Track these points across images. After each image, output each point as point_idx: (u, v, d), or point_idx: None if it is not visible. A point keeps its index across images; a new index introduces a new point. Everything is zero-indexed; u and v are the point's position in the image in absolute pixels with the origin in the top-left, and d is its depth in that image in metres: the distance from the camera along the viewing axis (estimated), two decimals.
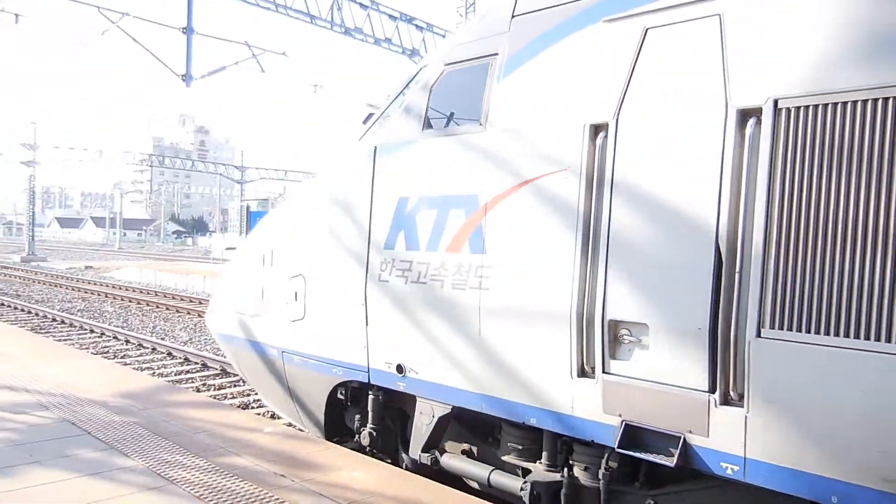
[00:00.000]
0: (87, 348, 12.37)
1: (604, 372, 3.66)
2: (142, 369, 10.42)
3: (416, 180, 4.74)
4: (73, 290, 22.45)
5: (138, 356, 11.78)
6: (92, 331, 14.31)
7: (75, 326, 15.00)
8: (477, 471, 4.55)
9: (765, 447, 3.15)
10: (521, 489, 4.15)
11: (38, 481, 4.09)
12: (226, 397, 8.37)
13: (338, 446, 5.01)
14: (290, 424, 6.41)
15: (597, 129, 3.81)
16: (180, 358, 11.24)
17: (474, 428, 4.73)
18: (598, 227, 3.73)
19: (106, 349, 12.38)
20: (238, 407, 6.67)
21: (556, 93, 4.04)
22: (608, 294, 3.64)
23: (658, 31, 3.61)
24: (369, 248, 4.94)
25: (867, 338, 2.81)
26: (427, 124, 4.79)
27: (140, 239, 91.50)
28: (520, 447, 4.38)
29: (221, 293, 6.65)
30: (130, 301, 19.08)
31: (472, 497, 4.14)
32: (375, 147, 5.05)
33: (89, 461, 4.46)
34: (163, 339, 13.08)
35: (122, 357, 11.67)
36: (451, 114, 4.74)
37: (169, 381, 7.73)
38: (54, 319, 16.07)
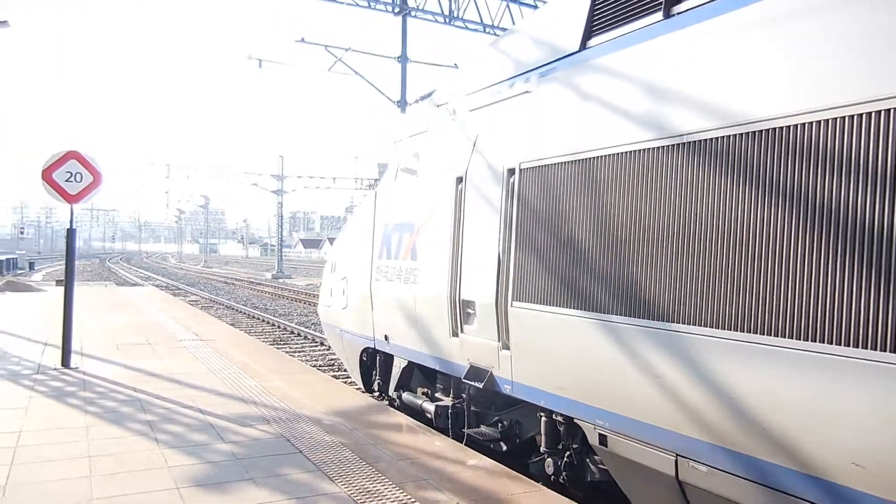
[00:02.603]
0: (315, 361, 13.32)
1: (462, 333, 5.58)
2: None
3: (392, 212, 7.06)
4: (309, 304, 24.73)
5: None
6: (322, 343, 15.45)
7: (308, 339, 16.35)
8: (415, 401, 6.76)
9: (518, 374, 4.93)
10: (433, 411, 6.31)
11: (249, 499, 4.15)
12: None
13: (545, 489, 4.49)
14: (350, 382, 9.48)
15: (459, 180, 5.77)
16: None
17: (430, 377, 6.77)
18: (459, 242, 5.67)
19: (332, 362, 13.22)
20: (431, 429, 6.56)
21: (445, 155, 6.09)
22: (462, 284, 5.56)
23: (477, 121, 5.66)
24: (373, 258, 7.28)
25: (558, 305, 4.45)
26: (396, 176, 7.13)
27: None
28: (441, 387, 6.62)
29: (321, 292, 9.45)
30: None
31: None
32: (376, 191, 7.69)
33: (297, 483, 4.46)
34: None
35: (344, 370, 12.34)
36: (408, 169, 6.87)
37: (379, 401, 7.83)
38: (292, 332, 17.71)
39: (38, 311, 14.78)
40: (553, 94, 4.78)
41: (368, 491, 4.33)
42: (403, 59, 18.45)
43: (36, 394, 6.93)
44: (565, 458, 4.85)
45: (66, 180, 8.22)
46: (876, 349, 2.72)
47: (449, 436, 5.88)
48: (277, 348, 13.28)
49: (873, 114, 2.81)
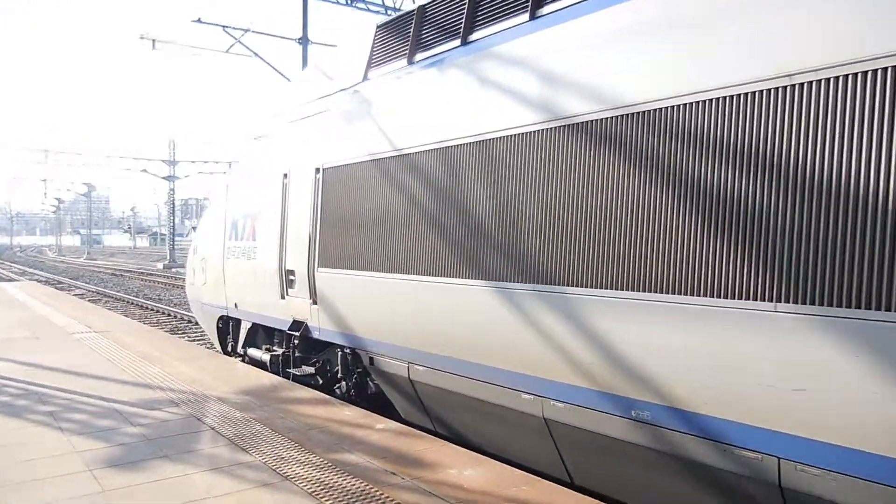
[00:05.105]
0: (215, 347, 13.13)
1: (287, 296, 7.36)
2: None
3: (238, 201, 8.81)
4: None
5: None
6: None
7: None
8: (258, 354, 8.22)
9: (322, 322, 6.77)
10: (268, 359, 7.84)
11: (166, 475, 4.29)
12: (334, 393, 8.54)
13: (447, 443, 4.91)
14: (210, 346, 11.01)
15: (285, 175, 7.58)
16: None
17: (269, 334, 8.31)
18: (285, 224, 7.44)
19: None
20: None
21: (276, 155, 7.91)
22: (287, 257, 7.35)
23: (297, 130, 7.48)
24: (224, 240, 8.98)
25: (341, 268, 6.42)
26: (241, 171, 9.05)
27: None
28: (277, 341, 8.10)
29: (186, 273, 11.02)
30: None
31: (588, 498, 3.89)
32: (227, 183, 9.48)
33: (212, 456, 4.63)
34: None
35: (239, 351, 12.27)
36: (251, 165, 8.69)
37: (286, 380, 7.99)
38: (189, 321, 17.28)
39: None
40: (342, 113, 6.64)
41: (282, 458, 4.58)
42: (304, 40, 18.18)
43: None
44: (353, 380, 6.75)
45: None
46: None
47: (280, 375, 7.47)
48: (178, 338, 13.00)
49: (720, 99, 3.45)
